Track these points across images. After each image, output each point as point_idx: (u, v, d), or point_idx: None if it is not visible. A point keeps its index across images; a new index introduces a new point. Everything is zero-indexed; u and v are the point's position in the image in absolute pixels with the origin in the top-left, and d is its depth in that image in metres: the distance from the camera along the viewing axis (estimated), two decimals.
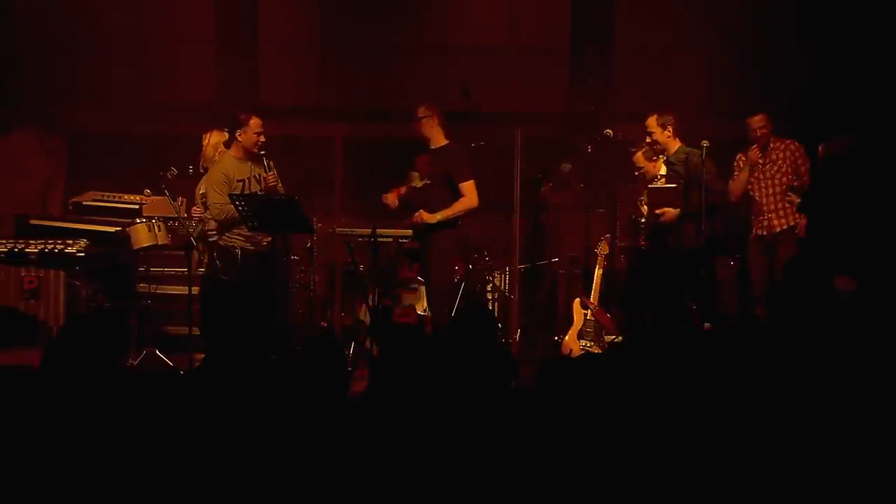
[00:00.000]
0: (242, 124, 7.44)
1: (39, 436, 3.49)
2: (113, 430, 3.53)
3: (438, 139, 7.94)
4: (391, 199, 8.12)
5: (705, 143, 7.79)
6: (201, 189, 7.69)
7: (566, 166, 8.84)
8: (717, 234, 7.75)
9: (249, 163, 7.48)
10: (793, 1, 10.28)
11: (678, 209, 7.76)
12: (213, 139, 7.87)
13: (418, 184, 8.03)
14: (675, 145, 7.91)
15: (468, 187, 7.83)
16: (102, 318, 4.10)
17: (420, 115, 7.93)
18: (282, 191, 7.45)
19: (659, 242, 7.92)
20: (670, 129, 7.87)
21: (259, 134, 7.42)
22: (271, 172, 7.41)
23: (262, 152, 7.43)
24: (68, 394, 3.71)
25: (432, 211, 7.77)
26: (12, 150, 9.55)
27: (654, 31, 10.72)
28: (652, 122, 7.90)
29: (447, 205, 7.77)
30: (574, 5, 10.83)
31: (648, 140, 7.93)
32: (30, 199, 9.21)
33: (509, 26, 11.08)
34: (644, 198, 8.24)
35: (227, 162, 7.51)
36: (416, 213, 7.81)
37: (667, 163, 8.01)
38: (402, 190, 8.15)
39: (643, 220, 8.24)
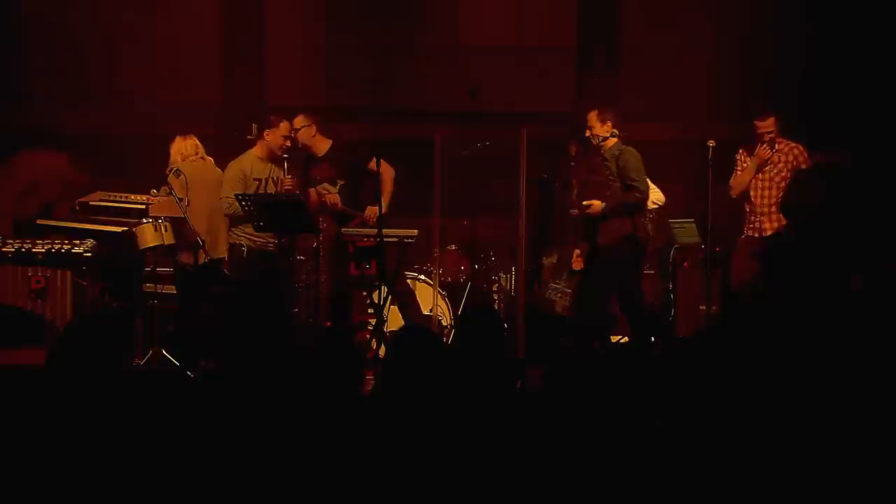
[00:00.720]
0: (273, 125, 7.64)
1: (45, 435, 3.50)
2: (119, 430, 3.53)
3: (322, 144, 7.92)
4: (335, 198, 7.92)
5: (711, 144, 7.76)
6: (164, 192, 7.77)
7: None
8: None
9: (271, 164, 7.61)
10: (801, 2, 10.26)
11: (603, 203, 7.70)
12: (177, 145, 8.05)
13: (333, 190, 7.90)
14: (611, 141, 7.82)
15: (380, 163, 7.81)
16: (109, 318, 4.11)
17: (299, 126, 7.85)
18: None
19: (591, 237, 7.88)
20: (609, 125, 7.79)
21: (286, 138, 7.59)
22: (289, 176, 7.49)
23: (286, 155, 7.52)
24: (74, 393, 3.72)
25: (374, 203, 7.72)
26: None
27: (660, 31, 10.71)
28: (592, 116, 7.81)
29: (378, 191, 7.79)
30: (581, 5, 10.84)
31: (587, 134, 7.84)
32: (29, 213, 9.16)
33: (516, 26, 11.09)
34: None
35: (249, 160, 7.67)
36: (368, 212, 7.74)
37: (601, 158, 7.93)
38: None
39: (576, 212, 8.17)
